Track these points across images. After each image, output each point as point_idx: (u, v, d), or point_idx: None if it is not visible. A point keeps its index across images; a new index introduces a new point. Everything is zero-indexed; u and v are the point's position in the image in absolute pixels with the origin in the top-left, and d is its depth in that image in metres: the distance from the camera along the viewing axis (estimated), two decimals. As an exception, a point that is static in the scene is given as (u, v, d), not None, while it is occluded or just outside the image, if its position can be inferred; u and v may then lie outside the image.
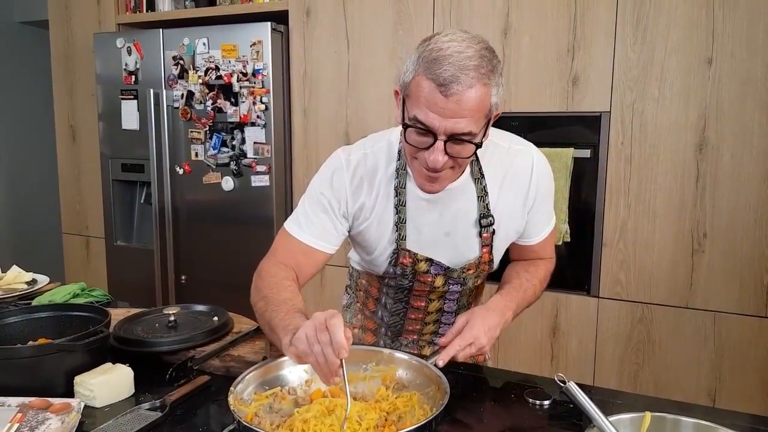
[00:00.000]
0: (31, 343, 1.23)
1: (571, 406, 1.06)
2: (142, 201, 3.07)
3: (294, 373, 1.08)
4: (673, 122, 2.10)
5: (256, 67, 2.59)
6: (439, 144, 1.04)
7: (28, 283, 1.80)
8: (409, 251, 1.26)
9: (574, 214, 2.26)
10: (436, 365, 1.06)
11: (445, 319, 1.39)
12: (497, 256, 1.31)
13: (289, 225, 1.29)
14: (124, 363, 1.19)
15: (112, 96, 2.94)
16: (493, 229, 1.25)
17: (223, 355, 1.25)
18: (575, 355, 2.31)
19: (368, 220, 1.26)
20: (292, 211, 2.80)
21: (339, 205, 1.25)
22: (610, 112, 2.18)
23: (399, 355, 1.10)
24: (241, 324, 1.43)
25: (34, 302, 1.60)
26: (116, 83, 2.91)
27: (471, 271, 1.29)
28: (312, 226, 1.26)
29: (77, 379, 1.08)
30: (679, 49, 2.07)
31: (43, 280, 1.83)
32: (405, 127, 1.07)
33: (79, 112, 3.25)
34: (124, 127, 2.92)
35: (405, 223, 1.24)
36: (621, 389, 2.21)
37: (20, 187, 4.15)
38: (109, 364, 1.14)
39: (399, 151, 1.23)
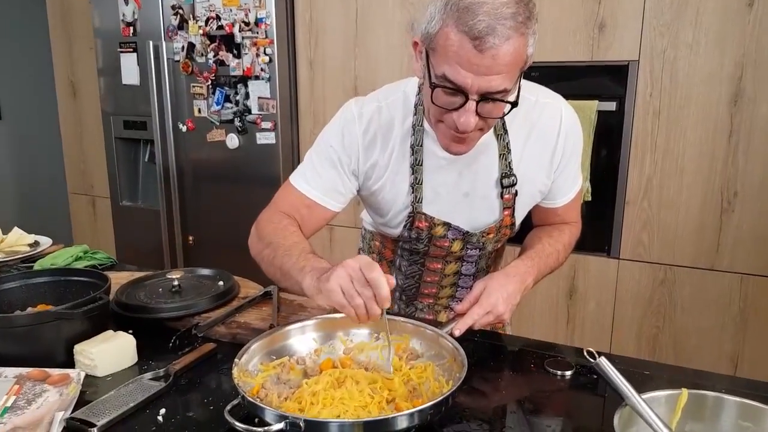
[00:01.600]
0: (30, 309, 1.19)
1: (594, 377, 1.00)
2: (146, 160, 3.00)
3: (302, 342, 1.02)
4: (706, 72, 1.96)
5: (258, 16, 2.46)
6: (471, 105, 0.94)
7: (30, 245, 1.74)
8: (425, 215, 1.17)
9: (595, 171, 2.15)
10: (452, 335, 0.99)
11: (462, 282, 1.31)
12: (519, 219, 1.23)
13: (295, 178, 1.21)
14: (126, 330, 1.15)
15: (111, 50, 2.83)
16: (516, 190, 1.17)
17: (229, 322, 1.19)
18: (592, 318, 2.25)
19: (381, 180, 1.17)
20: (299, 168, 2.73)
21: (349, 161, 1.16)
22: (638, 60, 2.05)
23: (413, 324, 1.03)
24: (248, 288, 1.37)
25: (36, 265, 1.55)
26: (115, 36, 2.79)
27: (491, 236, 1.22)
28: (318, 180, 1.18)
29: (77, 347, 1.03)
30: (716, -12, 1.91)
31: (45, 242, 1.78)
32: (433, 87, 0.96)
33: (79, 67, 3.15)
34: (124, 83, 2.82)
35: (421, 184, 1.15)
36: (639, 353, 2.17)
37: (26, 147, 4.09)
38: (110, 332, 1.09)
39: (415, 105, 1.13)
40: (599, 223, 2.18)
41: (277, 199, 1.22)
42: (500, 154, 1.14)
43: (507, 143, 1.13)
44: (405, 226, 1.20)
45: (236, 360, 0.89)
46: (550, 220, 1.28)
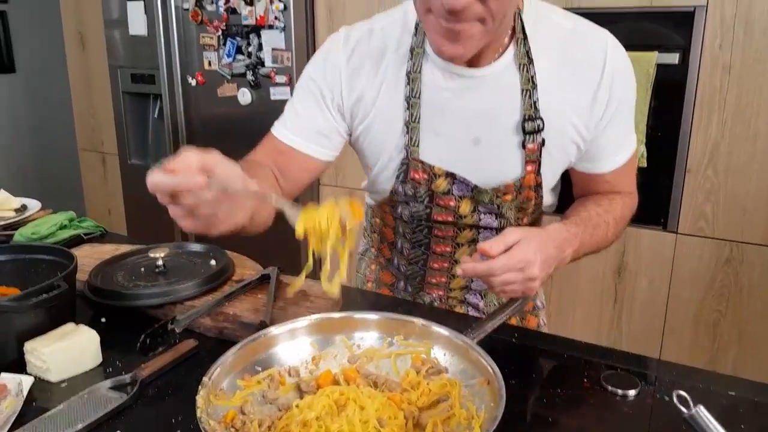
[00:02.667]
0: (-11, 293, 1.02)
1: (666, 398, 0.79)
2: (155, 116, 2.84)
3: (296, 347, 0.82)
4: (790, 18, 1.68)
5: (272, -44, 2.23)
6: None
7: (16, 210, 1.59)
8: (422, 162, 0.96)
9: (653, 133, 1.90)
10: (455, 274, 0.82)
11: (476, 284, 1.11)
12: (548, 179, 0.99)
13: (275, 124, 1.03)
14: (99, 318, 1.01)
15: (118, -3, 2.65)
16: (542, 138, 0.93)
17: (216, 313, 1.00)
18: (644, 298, 2.03)
19: (368, 117, 0.97)
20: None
21: (332, 95, 0.97)
22: (706, 6, 1.78)
23: (437, 328, 0.82)
24: (245, 269, 1.18)
25: (16, 234, 1.41)
26: (121, -19, 2.61)
27: (508, 197, 0.98)
28: (297, 122, 1.00)
29: (27, 345, 0.87)
30: None
31: (33, 206, 1.62)
32: None
33: (87, 17, 2.98)
34: (131, 33, 2.65)
35: (418, 122, 0.94)
36: (696, 340, 1.94)
37: (40, 100, 3.96)
38: (71, 326, 0.92)
39: (416, 26, 0.92)
40: (655, 192, 1.94)
41: (254, 150, 1.04)
42: (523, 90, 0.91)
43: (532, 76, 0.91)
44: (398, 178, 0.99)
45: (204, 380, 0.70)
46: (595, 190, 1.04)
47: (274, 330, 0.80)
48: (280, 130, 1.02)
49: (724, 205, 1.87)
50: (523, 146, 0.93)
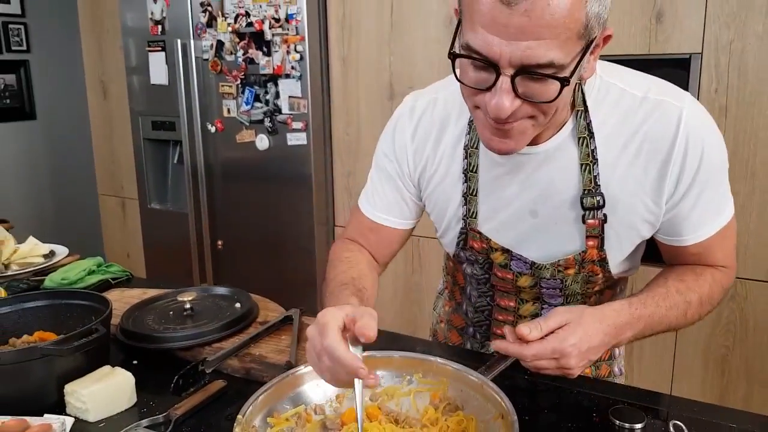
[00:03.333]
0: (26, 337, 1.09)
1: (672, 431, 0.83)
2: (175, 161, 2.93)
3: (320, 387, 0.87)
4: (781, 65, 1.75)
5: (289, 12, 2.34)
6: (504, 81, 0.72)
7: (45, 256, 1.66)
8: (480, 233, 0.97)
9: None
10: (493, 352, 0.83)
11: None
12: (615, 255, 0.94)
13: (360, 197, 1.09)
14: (131, 360, 1.06)
15: (140, 49, 2.76)
16: (604, 215, 0.89)
17: (243, 354, 1.06)
18: (654, 335, 2.04)
19: (431, 186, 1.01)
20: (332, 171, 2.61)
21: (403, 168, 1.02)
22: (701, 53, 1.85)
23: (453, 366, 0.87)
24: (268, 311, 1.24)
25: (47, 280, 1.48)
26: (143, 34, 2.73)
27: (570, 271, 0.95)
28: (379, 199, 1.05)
29: (67, 388, 0.92)
30: (793, -28, 1.70)
31: (61, 252, 1.69)
32: (454, 57, 0.76)
33: (109, 66, 3.11)
34: (152, 82, 2.76)
35: (476, 195, 0.96)
36: (705, 375, 1.96)
37: (59, 146, 4.09)
38: (107, 368, 0.97)
39: None
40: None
41: (347, 223, 1.12)
42: (582, 165, 0.88)
43: (593, 150, 0.87)
44: (458, 245, 1.02)
45: (239, 417, 0.75)
46: (683, 261, 0.96)
47: (301, 369, 0.86)
48: (365, 206, 1.07)
49: (727, 243, 1.91)
50: (584, 221, 0.90)
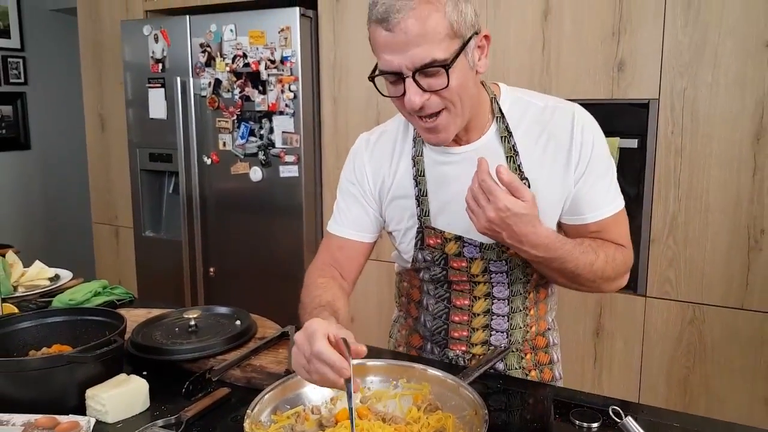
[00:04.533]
0: (45, 349, 1.19)
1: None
2: (170, 191, 3.04)
3: (317, 390, 1.00)
4: (727, 111, 1.94)
5: (284, 54, 2.50)
6: (408, 82, 0.97)
7: (50, 279, 1.76)
8: (434, 229, 1.14)
9: (619, 208, 2.12)
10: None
11: (496, 324, 1.20)
12: None
13: (328, 224, 1.26)
14: (141, 370, 1.15)
15: (140, 84, 2.90)
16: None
17: (244, 365, 1.18)
18: (620, 357, 2.19)
19: (389, 197, 1.19)
20: (321, 201, 2.74)
21: (363, 188, 1.21)
22: (658, 99, 2.03)
23: (433, 371, 1.01)
24: (265, 328, 1.36)
25: (54, 301, 1.57)
26: (143, 71, 2.87)
27: (512, 251, 1.10)
28: (345, 217, 1.22)
29: (89, 392, 1.02)
30: (734, 31, 1.90)
31: (66, 275, 1.79)
32: (372, 79, 1.02)
33: (108, 100, 3.23)
34: (151, 116, 2.88)
35: (426, 195, 1.15)
36: (669, 394, 2.10)
37: (53, 177, 4.19)
38: (123, 376, 1.08)
39: None
40: (624, 260, 2.12)
41: (318, 251, 1.27)
42: (507, 157, 1.09)
43: (513, 145, 1.09)
44: (416, 246, 1.17)
45: (248, 411, 0.87)
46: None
47: (301, 374, 0.98)
48: (333, 227, 1.24)
49: (684, 270, 2.05)
50: None
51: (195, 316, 1.32)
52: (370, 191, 1.21)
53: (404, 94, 0.98)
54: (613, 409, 0.76)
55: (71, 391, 1.03)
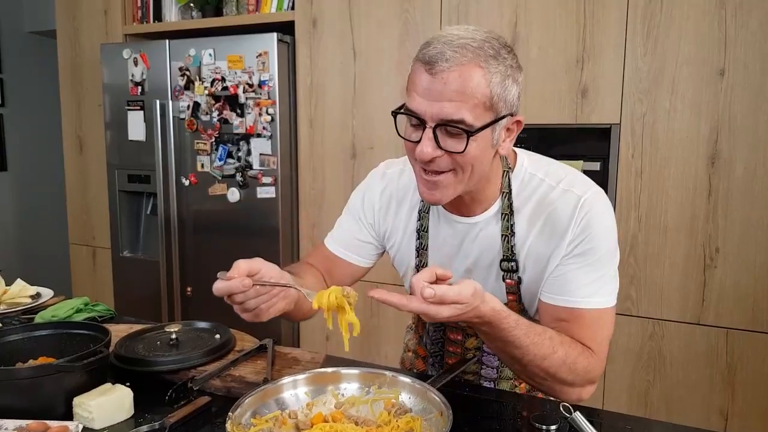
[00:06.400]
0: (31, 361, 1.22)
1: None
2: (148, 212, 3.06)
3: (294, 396, 1.06)
4: (684, 135, 2.07)
5: (262, 78, 2.58)
6: (427, 132, 0.95)
7: (32, 296, 1.78)
8: None
9: (583, 227, 2.22)
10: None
11: (486, 359, 1.25)
12: (530, 308, 1.15)
13: (327, 237, 1.31)
14: (125, 382, 1.18)
15: (119, 106, 2.94)
16: (518, 277, 1.11)
17: (224, 375, 1.23)
18: (584, 371, 2.26)
19: (396, 243, 1.24)
20: (298, 222, 2.80)
21: (368, 221, 1.25)
22: (620, 124, 2.15)
23: (402, 378, 1.07)
24: (244, 342, 1.41)
25: (37, 317, 1.59)
26: (123, 94, 2.91)
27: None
28: (341, 234, 1.28)
29: (76, 400, 1.06)
30: (690, 60, 2.03)
31: (47, 293, 1.82)
32: (395, 115, 1.01)
33: (86, 122, 3.25)
34: (130, 138, 2.92)
35: (426, 249, 1.20)
36: (631, 407, 2.19)
37: (29, 197, 4.17)
38: (108, 385, 1.12)
39: None
40: (588, 278, 2.22)
41: (310, 252, 1.33)
42: (502, 236, 1.10)
43: (511, 225, 1.09)
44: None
45: (230, 414, 0.93)
46: (554, 325, 1.07)
47: (282, 380, 1.04)
48: (329, 241, 1.30)
49: (644, 288, 2.15)
50: (504, 280, 1.12)
51: (176, 330, 1.37)
52: (372, 224, 1.25)
53: (420, 142, 0.97)
54: (562, 405, 0.84)
55: (59, 398, 1.06)
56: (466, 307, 0.91)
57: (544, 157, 1.16)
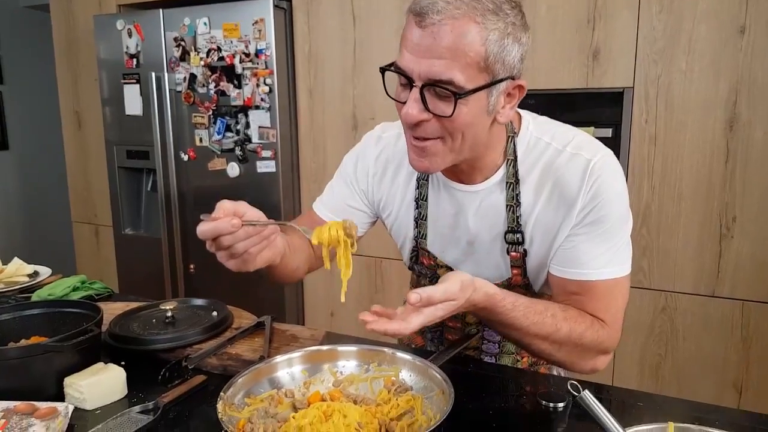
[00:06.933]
0: (23, 341, 1.19)
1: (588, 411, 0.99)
2: (149, 189, 3.02)
3: (291, 374, 1.01)
4: (701, 97, 1.97)
5: (258, 47, 2.50)
6: (414, 92, 0.87)
7: (29, 275, 1.75)
8: (428, 252, 1.14)
9: (593, 196, 2.15)
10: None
11: (487, 334, 1.19)
12: (535, 281, 1.09)
13: (316, 199, 1.24)
14: (119, 361, 1.15)
15: (115, 81, 2.88)
16: (524, 249, 1.04)
17: (221, 353, 1.19)
18: (595, 344, 2.22)
19: (392, 212, 1.17)
20: (299, 196, 2.74)
21: (360, 187, 1.18)
22: (633, 87, 2.06)
23: (402, 355, 1.02)
24: (242, 319, 1.37)
25: (33, 296, 1.56)
26: (118, 67, 2.85)
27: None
28: (332, 200, 1.20)
29: (67, 380, 1.03)
30: (708, 17, 1.93)
31: (45, 272, 1.79)
32: (382, 71, 0.92)
33: (84, 98, 3.20)
34: (127, 113, 2.87)
35: (425, 219, 1.12)
36: (642, 381, 2.14)
37: (31, 176, 4.14)
38: (101, 364, 1.09)
39: None
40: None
41: (298, 217, 1.25)
42: (507, 206, 1.02)
43: (517, 194, 1.01)
44: (411, 260, 1.18)
45: (222, 394, 0.89)
46: (564, 298, 1.03)
47: (276, 359, 0.99)
48: (317, 205, 1.22)
49: (657, 259, 2.09)
50: (508, 253, 1.04)
51: (171, 307, 1.32)
52: (365, 192, 1.18)
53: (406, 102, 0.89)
54: (571, 383, 0.78)
55: (50, 379, 1.03)
56: (458, 303, 0.88)
57: (551, 119, 1.07)
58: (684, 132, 2.02)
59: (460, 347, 1.11)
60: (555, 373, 1.25)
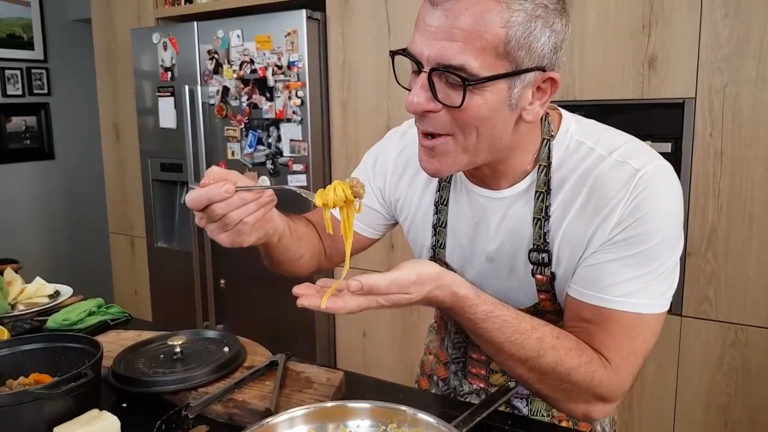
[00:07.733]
0: (22, 378, 1.12)
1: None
2: (182, 201, 2.99)
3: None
4: (774, 109, 1.76)
5: (291, 59, 2.43)
6: (421, 77, 0.77)
7: (50, 296, 1.71)
8: (447, 264, 1.00)
9: (650, 218, 1.96)
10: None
11: None
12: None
13: None
14: (121, 402, 1.08)
15: (151, 93, 2.88)
16: (551, 272, 0.88)
17: (226, 399, 1.08)
18: (653, 381, 2.02)
19: (409, 217, 1.06)
20: (332, 212, 2.62)
21: (378, 185, 1.08)
22: (695, 98, 1.87)
23: (423, 416, 0.88)
24: (255, 355, 1.26)
25: (49, 321, 1.52)
26: (154, 80, 2.84)
27: None
28: None
29: (56, 430, 0.94)
30: (783, 19, 1.72)
31: (66, 292, 1.74)
32: (392, 55, 0.82)
33: (122, 109, 3.21)
34: (162, 126, 2.85)
35: (445, 227, 0.99)
36: (707, 425, 1.92)
37: (74, 186, 4.20)
38: (95, 411, 0.99)
39: None
40: (656, 275, 1.97)
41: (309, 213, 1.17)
42: (534, 219, 0.88)
43: (547, 206, 0.86)
44: None
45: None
46: (574, 324, 0.87)
47: (274, 419, 0.87)
48: None
49: (725, 288, 1.88)
50: (533, 275, 0.90)
51: (181, 342, 1.23)
52: (380, 189, 1.09)
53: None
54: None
55: (40, 428, 0.95)
56: (410, 297, 0.77)
57: (599, 123, 0.91)
58: (754, 147, 1.81)
59: (491, 408, 0.95)
60: (599, 429, 1.08)
